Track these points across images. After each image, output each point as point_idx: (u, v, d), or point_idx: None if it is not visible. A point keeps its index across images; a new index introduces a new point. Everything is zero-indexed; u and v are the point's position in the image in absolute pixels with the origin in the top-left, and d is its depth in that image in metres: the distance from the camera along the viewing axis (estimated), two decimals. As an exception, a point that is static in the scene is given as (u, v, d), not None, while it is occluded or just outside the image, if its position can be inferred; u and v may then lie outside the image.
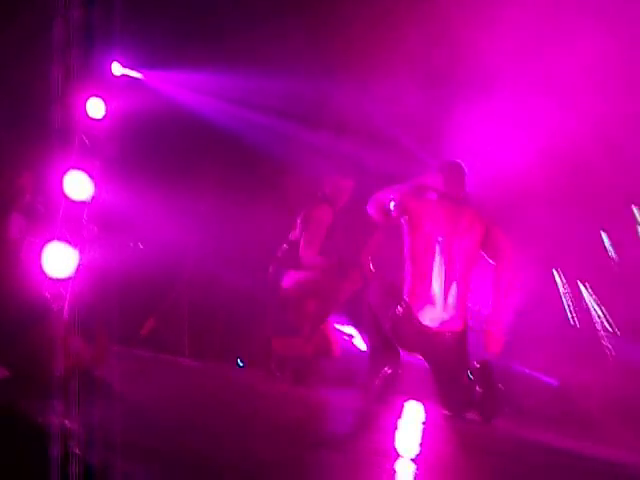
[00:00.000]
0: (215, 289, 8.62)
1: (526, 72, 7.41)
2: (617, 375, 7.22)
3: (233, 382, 7.38)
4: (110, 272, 7.14)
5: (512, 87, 7.38)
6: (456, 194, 6.32)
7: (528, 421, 6.74)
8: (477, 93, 7.45)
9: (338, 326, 7.67)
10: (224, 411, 5.42)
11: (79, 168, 7.23)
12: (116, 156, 7.39)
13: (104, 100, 7.42)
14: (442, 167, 6.39)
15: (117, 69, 7.93)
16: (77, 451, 3.71)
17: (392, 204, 6.27)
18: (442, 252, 6.14)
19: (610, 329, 7.70)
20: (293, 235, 7.55)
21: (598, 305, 7.77)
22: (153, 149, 8.29)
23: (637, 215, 7.80)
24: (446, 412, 6.19)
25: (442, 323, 6.11)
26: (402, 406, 6.37)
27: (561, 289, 7.91)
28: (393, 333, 6.20)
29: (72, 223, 7.25)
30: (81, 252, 6.81)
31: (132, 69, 8.27)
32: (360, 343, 7.60)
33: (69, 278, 6.58)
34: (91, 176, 7.28)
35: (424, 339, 6.08)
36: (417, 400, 6.60)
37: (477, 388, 6.11)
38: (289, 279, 7.45)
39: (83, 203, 7.28)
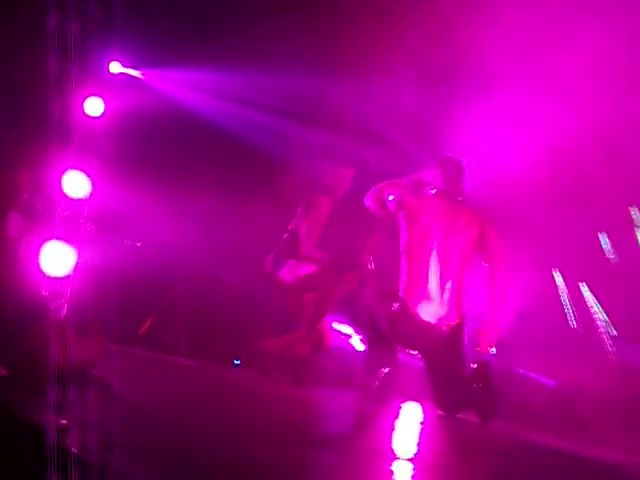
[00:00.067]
0: (212, 288, 8.61)
1: (525, 72, 7.40)
2: (616, 376, 7.21)
3: (230, 382, 7.37)
4: (108, 271, 7.13)
5: (511, 87, 7.37)
6: (454, 191, 6.32)
7: (525, 422, 6.73)
8: (477, 93, 7.44)
9: (335, 325, 7.66)
10: (221, 411, 5.42)
11: (77, 167, 7.22)
12: (114, 155, 7.38)
13: (102, 99, 7.42)
14: (441, 163, 6.39)
15: (115, 68, 7.92)
16: (74, 450, 3.70)
17: (390, 198, 6.26)
18: (438, 248, 6.14)
19: (609, 330, 7.70)
20: (293, 224, 7.54)
21: (598, 306, 7.77)
22: (151, 148, 8.28)
23: (635, 216, 7.80)
24: (441, 412, 6.18)
25: (439, 318, 6.11)
26: (399, 406, 6.37)
27: (561, 290, 7.91)
28: (390, 330, 6.20)
29: (70, 222, 7.24)
30: (79, 251, 6.80)
31: (131, 68, 8.26)
32: (357, 343, 7.59)
33: (67, 276, 6.56)
34: (89, 175, 7.27)
35: (422, 334, 6.07)
36: (414, 400, 6.60)
37: (474, 388, 6.10)
38: (288, 269, 7.43)
39: (81, 201, 7.27)
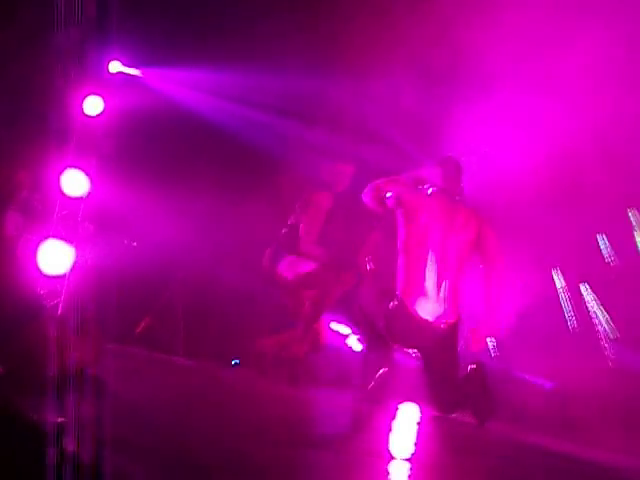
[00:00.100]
0: (211, 288, 8.61)
1: (525, 73, 7.40)
2: (613, 378, 7.21)
3: (227, 381, 7.36)
4: (105, 270, 7.13)
5: (511, 88, 7.37)
6: (453, 190, 6.32)
7: (522, 423, 6.72)
8: (476, 93, 7.43)
9: (332, 325, 7.66)
10: (218, 410, 5.42)
11: (76, 165, 7.23)
12: (113, 154, 7.38)
13: (102, 98, 7.41)
14: (440, 163, 6.39)
15: (115, 67, 7.92)
16: (71, 449, 3.70)
17: (388, 195, 6.26)
18: (436, 246, 6.14)
19: (609, 333, 7.70)
20: (292, 219, 7.53)
21: (597, 308, 7.77)
22: (150, 147, 8.27)
23: (634, 219, 7.80)
24: (436, 412, 6.18)
25: (437, 316, 6.11)
26: (396, 407, 6.37)
27: (560, 291, 7.91)
28: (387, 328, 6.20)
29: (68, 220, 7.24)
30: (77, 249, 6.80)
31: (130, 67, 8.25)
32: (354, 343, 7.59)
33: (64, 275, 6.57)
34: (87, 173, 7.28)
35: (419, 332, 6.07)
36: (411, 401, 6.60)
37: (470, 389, 6.10)
38: (286, 265, 7.42)
39: (79, 200, 7.27)
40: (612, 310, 7.75)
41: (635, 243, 7.79)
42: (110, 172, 7.32)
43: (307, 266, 7.38)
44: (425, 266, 6.12)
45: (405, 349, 6.45)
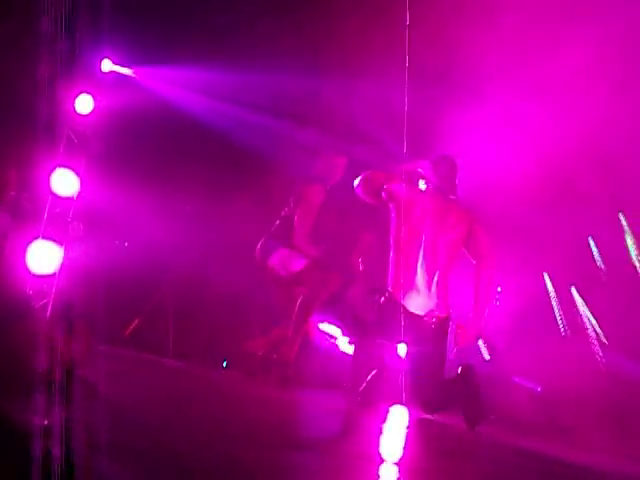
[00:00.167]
0: (200, 289, 8.58)
1: (517, 77, 7.40)
2: (603, 383, 7.21)
3: (217, 383, 7.34)
4: (95, 270, 7.09)
5: (503, 91, 7.36)
6: (447, 189, 6.33)
7: (512, 427, 6.72)
8: (469, 96, 7.43)
9: (322, 325, 7.64)
10: (207, 412, 5.40)
11: (66, 165, 7.19)
12: (103, 153, 7.34)
13: (92, 96, 7.38)
14: (435, 161, 6.38)
15: (107, 66, 7.88)
16: (58, 451, 3.68)
17: (383, 187, 6.24)
18: (427, 242, 6.14)
19: (599, 338, 7.70)
20: (285, 211, 7.50)
21: (588, 312, 7.77)
22: (141, 146, 8.23)
23: (624, 223, 7.80)
24: (419, 411, 6.17)
25: (427, 310, 6.12)
26: (386, 410, 6.35)
27: (551, 295, 7.91)
28: (377, 323, 6.20)
29: (58, 220, 7.20)
30: (66, 249, 6.76)
31: (122, 66, 8.22)
32: (344, 345, 7.57)
33: (53, 275, 6.53)
34: (77, 173, 7.24)
35: (409, 326, 6.06)
36: (401, 404, 6.58)
37: (458, 392, 6.10)
38: (278, 258, 7.38)
39: (69, 200, 7.24)
40: (602, 314, 7.75)
41: (626, 246, 7.79)
42: (100, 171, 7.28)
43: (299, 263, 7.34)
44: (416, 261, 6.14)
45: (394, 345, 6.40)
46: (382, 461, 4.59)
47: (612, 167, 7.36)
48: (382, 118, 7.51)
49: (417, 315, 6.09)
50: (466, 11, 7.30)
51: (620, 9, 7.02)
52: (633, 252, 7.76)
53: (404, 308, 6.06)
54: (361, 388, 6.27)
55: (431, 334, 6.09)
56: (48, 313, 6.49)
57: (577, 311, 7.81)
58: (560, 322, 7.84)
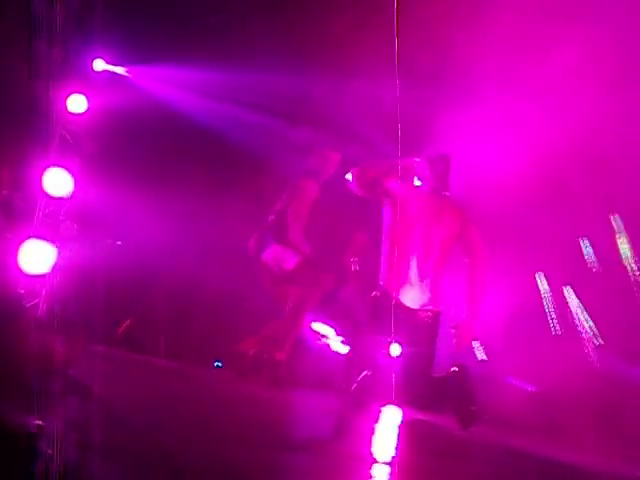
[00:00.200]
0: (192, 290, 8.57)
1: (509, 79, 7.40)
2: (598, 382, 7.23)
3: (208, 384, 7.33)
4: (87, 270, 7.08)
5: (495, 91, 7.37)
6: (441, 185, 6.33)
7: (505, 427, 6.73)
8: (461, 96, 7.43)
9: (315, 325, 7.63)
10: (199, 413, 5.39)
11: (59, 164, 7.18)
12: (97, 152, 7.33)
13: (85, 96, 7.37)
14: (430, 158, 6.38)
15: (100, 65, 7.86)
16: (50, 451, 3.67)
17: (377, 180, 6.24)
18: (420, 237, 6.15)
19: (592, 337, 7.71)
20: (279, 205, 7.48)
21: (581, 312, 7.78)
22: (134, 146, 8.22)
23: (616, 224, 7.81)
24: (409, 408, 6.17)
25: (421, 304, 6.13)
26: (379, 410, 6.35)
27: (544, 296, 7.92)
28: (371, 317, 6.21)
29: (51, 220, 7.19)
30: (59, 249, 6.75)
31: (115, 65, 8.20)
32: (337, 345, 7.57)
33: (45, 275, 6.51)
34: (71, 172, 7.23)
35: (403, 318, 6.06)
36: (394, 404, 6.58)
37: (450, 391, 6.11)
38: (272, 254, 7.36)
39: (62, 200, 7.22)
40: (595, 314, 7.77)
41: (618, 247, 7.80)
42: (93, 171, 7.27)
43: (291, 262, 7.31)
44: (409, 255, 6.15)
45: (388, 340, 6.39)
46: (374, 461, 4.59)
47: (604, 169, 7.37)
48: (375, 118, 7.51)
49: (411, 309, 6.10)
50: (459, 12, 7.30)
51: (612, 10, 7.03)
52: (625, 253, 7.77)
53: (397, 302, 6.07)
54: (353, 388, 6.27)
55: (425, 328, 6.11)
56: (40, 313, 6.47)
57: (570, 311, 7.83)
58: (553, 322, 7.85)
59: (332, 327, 7.62)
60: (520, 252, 7.58)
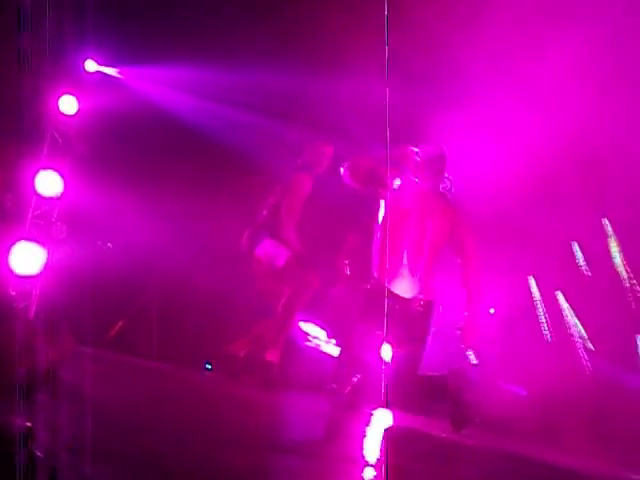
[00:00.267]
0: (184, 292, 8.54)
1: (503, 80, 7.41)
2: (588, 387, 7.24)
3: (199, 386, 7.31)
4: (78, 272, 7.05)
5: (489, 95, 7.37)
6: (435, 180, 6.34)
7: (497, 430, 6.73)
8: (454, 98, 7.44)
9: (306, 326, 7.62)
10: (190, 415, 5.37)
11: (50, 165, 7.16)
12: (87, 154, 7.31)
13: (76, 97, 7.35)
14: (425, 151, 6.38)
15: (91, 66, 7.84)
16: (39, 453, 3.65)
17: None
18: (414, 229, 6.17)
19: (585, 342, 7.71)
20: (272, 199, 7.45)
21: (573, 317, 7.78)
22: (125, 147, 8.19)
23: (607, 228, 7.83)
24: (403, 412, 6.16)
25: (413, 294, 6.15)
26: (370, 413, 6.34)
27: (537, 300, 7.93)
28: (365, 310, 6.22)
29: (41, 221, 7.17)
30: (49, 250, 6.72)
31: (107, 66, 8.17)
32: (328, 347, 7.56)
33: (36, 276, 6.49)
34: (61, 174, 7.21)
35: (396, 308, 6.07)
36: (385, 407, 6.57)
37: (442, 393, 6.11)
38: (264, 250, 7.32)
39: (53, 201, 7.20)
40: (587, 319, 7.78)
41: (610, 251, 7.82)
42: (84, 172, 7.25)
43: (282, 258, 7.27)
44: (402, 246, 6.16)
45: (379, 337, 6.37)
46: (366, 464, 4.58)
47: (596, 173, 7.38)
48: (368, 118, 7.50)
49: (404, 299, 6.12)
50: (454, 12, 7.30)
51: (605, 11, 7.04)
52: (617, 257, 7.79)
53: (390, 292, 6.07)
54: (345, 391, 6.26)
55: (418, 317, 6.12)
56: (31, 314, 6.45)
57: (563, 316, 7.83)
58: (546, 326, 7.86)
59: (323, 328, 7.61)
60: (512, 255, 7.59)
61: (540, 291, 7.91)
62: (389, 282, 6.09)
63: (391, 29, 5.62)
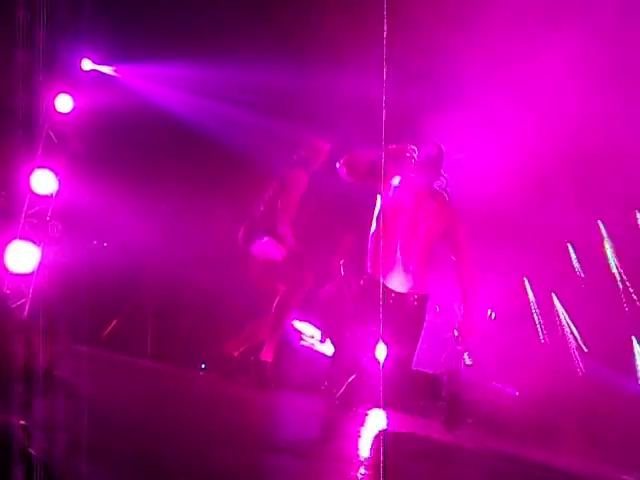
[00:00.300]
0: (179, 290, 8.53)
1: (498, 81, 7.42)
2: (581, 389, 7.25)
3: (194, 385, 7.30)
4: (73, 270, 7.05)
5: (484, 95, 7.38)
6: (431, 176, 6.34)
7: (490, 431, 6.74)
8: (450, 98, 7.44)
9: (300, 326, 7.61)
10: (185, 414, 5.36)
11: (45, 164, 7.15)
12: (83, 152, 7.30)
13: (72, 96, 7.34)
14: (422, 147, 6.38)
15: (87, 64, 7.83)
16: (34, 452, 3.64)
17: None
18: (408, 223, 6.18)
19: (579, 343, 7.72)
20: (268, 195, 7.43)
21: (568, 319, 7.79)
22: (120, 146, 8.17)
23: (603, 230, 7.84)
24: (398, 412, 6.17)
25: (408, 288, 6.16)
26: (365, 413, 6.35)
27: (531, 302, 7.94)
28: (359, 305, 6.22)
29: (36, 220, 7.16)
30: (44, 249, 6.73)
31: (103, 64, 8.16)
32: (323, 347, 7.55)
33: (31, 275, 6.50)
34: (56, 172, 7.21)
35: (390, 302, 6.08)
36: (380, 408, 6.58)
37: (437, 394, 6.12)
38: (260, 248, 7.30)
39: (48, 199, 7.20)
40: (581, 320, 7.79)
41: (605, 253, 7.83)
42: (80, 171, 7.24)
43: (277, 256, 7.26)
44: (397, 240, 6.16)
45: (374, 335, 6.38)
46: (361, 464, 4.58)
47: (592, 175, 7.39)
48: (364, 117, 7.49)
49: (398, 293, 6.12)
50: (450, 13, 7.31)
51: (599, 12, 7.05)
52: (612, 259, 7.80)
53: (385, 286, 6.08)
54: (340, 391, 6.26)
55: (412, 311, 6.13)
56: (25, 313, 6.44)
57: (557, 318, 7.84)
58: (540, 327, 7.87)
59: (317, 328, 7.61)
60: (507, 256, 7.59)
61: (534, 292, 7.92)
62: (383, 277, 6.10)
63: (389, 29, 5.62)
